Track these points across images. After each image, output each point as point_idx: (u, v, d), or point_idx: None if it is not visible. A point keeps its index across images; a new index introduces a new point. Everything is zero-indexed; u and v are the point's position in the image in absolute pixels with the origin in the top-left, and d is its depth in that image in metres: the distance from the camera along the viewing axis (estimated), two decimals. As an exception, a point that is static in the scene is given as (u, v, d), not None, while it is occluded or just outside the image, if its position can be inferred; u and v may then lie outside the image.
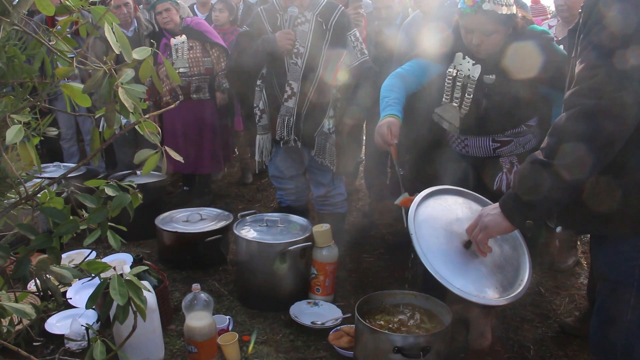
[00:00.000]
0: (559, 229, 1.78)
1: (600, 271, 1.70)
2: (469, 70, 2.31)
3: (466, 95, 2.32)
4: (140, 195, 1.36)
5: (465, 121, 2.35)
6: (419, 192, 2.12)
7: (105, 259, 3.34)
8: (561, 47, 2.37)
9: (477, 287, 1.83)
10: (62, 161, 4.63)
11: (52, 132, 1.60)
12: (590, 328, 1.77)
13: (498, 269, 1.93)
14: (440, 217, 2.03)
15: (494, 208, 1.73)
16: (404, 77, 2.50)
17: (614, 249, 1.63)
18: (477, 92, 2.29)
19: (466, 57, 2.32)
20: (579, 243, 3.67)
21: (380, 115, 2.41)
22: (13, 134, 1.12)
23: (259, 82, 3.29)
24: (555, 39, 3.41)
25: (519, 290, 1.88)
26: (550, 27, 3.54)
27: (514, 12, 2.18)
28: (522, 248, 2.02)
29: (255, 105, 3.33)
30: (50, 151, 5.26)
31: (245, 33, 3.28)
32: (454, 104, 2.35)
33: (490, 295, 1.84)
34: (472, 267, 1.89)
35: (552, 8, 4.81)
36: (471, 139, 2.39)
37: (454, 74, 2.35)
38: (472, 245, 1.85)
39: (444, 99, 2.39)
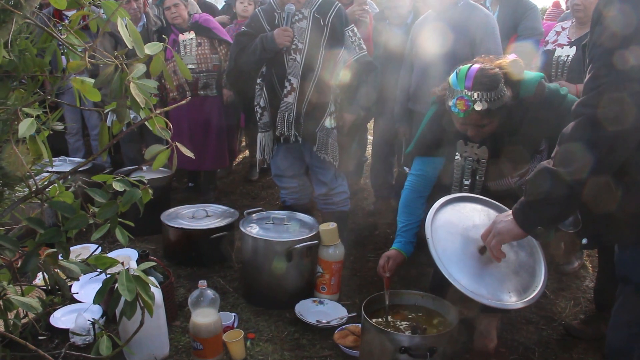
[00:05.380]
0: (584, 241, 1.80)
1: (622, 273, 1.70)
2: (476, 154, 2.29)
3: (477, 178, 2.32)
4: (150, 191, 1.36)
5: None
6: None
7: (111, 254, 3.32)
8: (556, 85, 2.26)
9: (491, 291, 1.86)
10: (66, 155, 4.63)
11: (59, 126, 1.59)
12: (608, 329, 1.77)
13: (513, 274, 1.96)
14: (457, 223, 2.05)
15: (507, 215, 1.77)
16: (421, 175, 2.46)
17: (637, 251, 1.63)
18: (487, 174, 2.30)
19: (468, 142, 2.30)
20: (584, 245, 3.65)
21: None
22: (25, 127, 1.12)
23: (259, 81, 3.30)
24: (568, 40, 3.39)
25: (532, 295, 1.90)
26: (563, 28, 3.50)
27: (505, 95, 2.05)
28: (538, 255, 2.04)
29: (256, 103, 3.33)
30: (54, 145, 5.25)
31: (244, 33, 3.29)
32: (464, 190, 2.33)
33: (503, 299, 1.86)
34: (487, 272, 1.92)
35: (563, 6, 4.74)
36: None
37: (462, 163, 2.32)
38: (487, 250, 1.87)
39: (453, 189, 2.37)
